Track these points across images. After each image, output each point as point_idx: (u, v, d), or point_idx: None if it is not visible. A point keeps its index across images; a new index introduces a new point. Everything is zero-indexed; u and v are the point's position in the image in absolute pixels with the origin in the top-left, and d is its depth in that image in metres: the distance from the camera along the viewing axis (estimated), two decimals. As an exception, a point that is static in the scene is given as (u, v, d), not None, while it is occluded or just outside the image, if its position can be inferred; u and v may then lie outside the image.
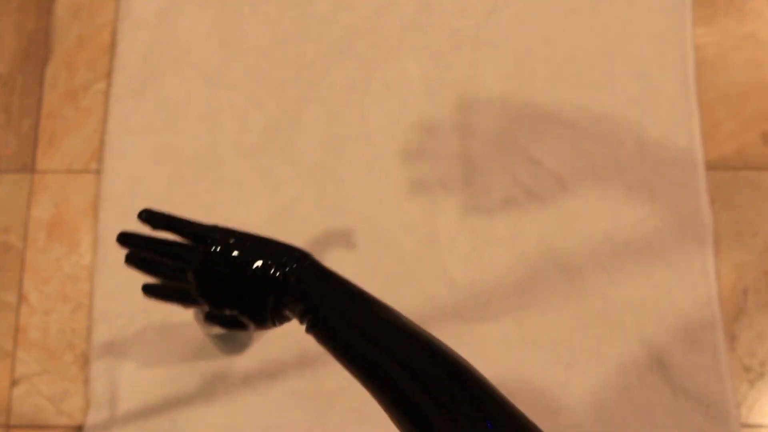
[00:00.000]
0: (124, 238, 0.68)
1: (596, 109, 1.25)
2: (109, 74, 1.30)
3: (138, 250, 0.68)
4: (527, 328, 1.15)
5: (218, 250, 0.65)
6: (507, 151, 1.23)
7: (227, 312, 0.66)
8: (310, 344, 1.16)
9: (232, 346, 1.13)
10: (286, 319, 0.66)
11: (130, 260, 0.69)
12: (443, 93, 1.27)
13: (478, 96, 1.26)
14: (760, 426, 1.11)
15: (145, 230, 0.70)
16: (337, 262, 1.18)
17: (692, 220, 1.19)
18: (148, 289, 0.71)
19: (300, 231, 1.20)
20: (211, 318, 0.68)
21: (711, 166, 1.23)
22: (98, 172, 1.25)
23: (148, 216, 0.68)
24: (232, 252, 0.65)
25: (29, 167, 1.26)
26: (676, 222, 1.19)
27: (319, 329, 0.60)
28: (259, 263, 0.63)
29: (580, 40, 1.29)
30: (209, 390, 1.13)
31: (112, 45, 1.32)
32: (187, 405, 1.13)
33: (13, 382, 1.16)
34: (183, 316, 1.11)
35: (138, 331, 1.16)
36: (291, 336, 1.16)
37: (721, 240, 1.19)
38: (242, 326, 0.67)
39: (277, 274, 0.63)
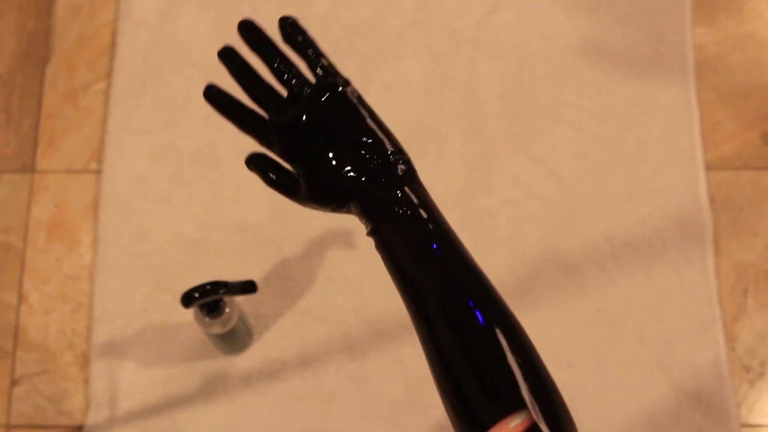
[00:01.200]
0: (248, 27, 0.58)
1: (596, 109, 1.25)
2: (109, 74, 1.30)
3: (254, 48, 0.58)
4: (527, 329, 1.15)
5: (336, 104, 0.56)
6: (507, 151, 1.23)
7: (293, 167, 0.56)
8: (310, 344, 1.16)
9: (232, 346, 1.13)
10: (350, 210, 0.56)
11: (227, 55, 0.59)
12: (443, 93, 1.27)
13: (478, 96, 1.26)
14: (760, 426, 1.11)
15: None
16: (337, 261, 1.19)
17: (692, 220, 1.19)
18: (212, 93, 0.59)
19: (300, 231, 1.20)
20: (256, 163, 0.58)
21: (711, 166, 1.22)
22: (98, 172, 1.25)
23: (292, 24, 0.56)
24: (350, 116, 0.56)
25: (29, 167, 1.26)
26: (676, 222, 1.19)
27: (378, 242, 0.54)
28: (361, 146, 0.55)
29: (580, 40, 1.29)
30: (209, 390, 1.13)
31: (112, 45, 1.32)
32: (187, 405, 1.13)
33: (13, 382, 1.16)
34: (183, 316, 1.11)
35: (138, 331, 1.16)
36: (291, 336, 1.16)
37: (721, 240, 1.19)
38: (286, 188, 0.57)
39: (362, 178, 0.54)
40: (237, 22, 0.60)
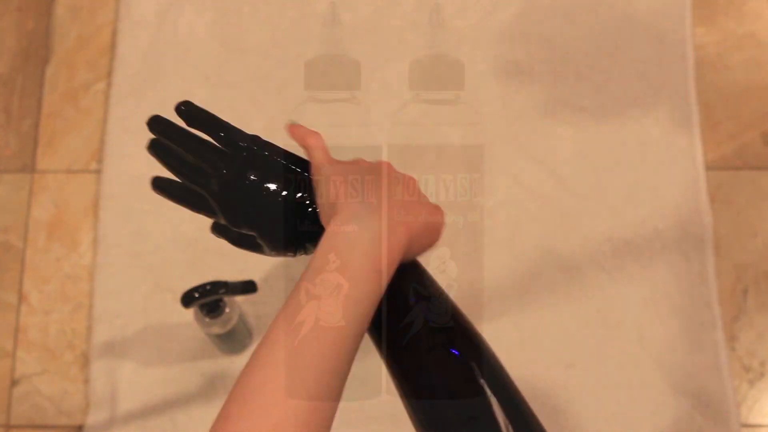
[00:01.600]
0: (156, 122, 0.60)
1: (596, 109, 1.25)
2: (109, 74, 1.30)
3: (166, 139, 0.60)
4: (527, 329, 1.15)
5: (253, 164, 0.58)
6: (507, 151, 1.23)
7: (244, 231, 0.59)
8: (310, 344, 1.16)
9: (232, 346, 1.13)
10: (307, 251, 0.59)
11: (154, 148, 0.61)
12: (443, 93, 1.27)
13: (479, 96, 1.26)
14: (760, 426, 1.11)
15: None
16: (337, 262, 1.19)
17: (692, 220, 1.19)
18: (158, 183, 0.62)
19: (300, 231, 1.20)
20: (219, 230, 0.62)
21: (711, 166, 1.23)
22: (98, 172, 1.25)
23: (187, 109, 0.60)
24: (269, 168, 0.59)
25: (29, 167, 1.26)
26: (676, 222, 1.19)
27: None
28: (290, 191, 0.58)
29: (580, 40, 1.29)
30: (209, 390, 1.13)
31: (112, 45, 1.32)
32: (187, 405, 1.13)
33: (13, 382, 1.16)
34: (183, 316, 1.11)
35: (138, 331, 1.16)
36: (291, 336, 1.16)
37: (721, 240, 1.19)
38: (253, 246, 0.61)
39: (309, 209, 0.57)
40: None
